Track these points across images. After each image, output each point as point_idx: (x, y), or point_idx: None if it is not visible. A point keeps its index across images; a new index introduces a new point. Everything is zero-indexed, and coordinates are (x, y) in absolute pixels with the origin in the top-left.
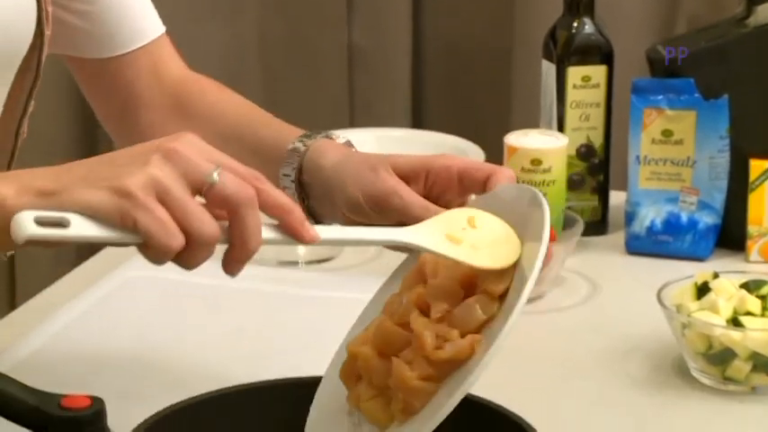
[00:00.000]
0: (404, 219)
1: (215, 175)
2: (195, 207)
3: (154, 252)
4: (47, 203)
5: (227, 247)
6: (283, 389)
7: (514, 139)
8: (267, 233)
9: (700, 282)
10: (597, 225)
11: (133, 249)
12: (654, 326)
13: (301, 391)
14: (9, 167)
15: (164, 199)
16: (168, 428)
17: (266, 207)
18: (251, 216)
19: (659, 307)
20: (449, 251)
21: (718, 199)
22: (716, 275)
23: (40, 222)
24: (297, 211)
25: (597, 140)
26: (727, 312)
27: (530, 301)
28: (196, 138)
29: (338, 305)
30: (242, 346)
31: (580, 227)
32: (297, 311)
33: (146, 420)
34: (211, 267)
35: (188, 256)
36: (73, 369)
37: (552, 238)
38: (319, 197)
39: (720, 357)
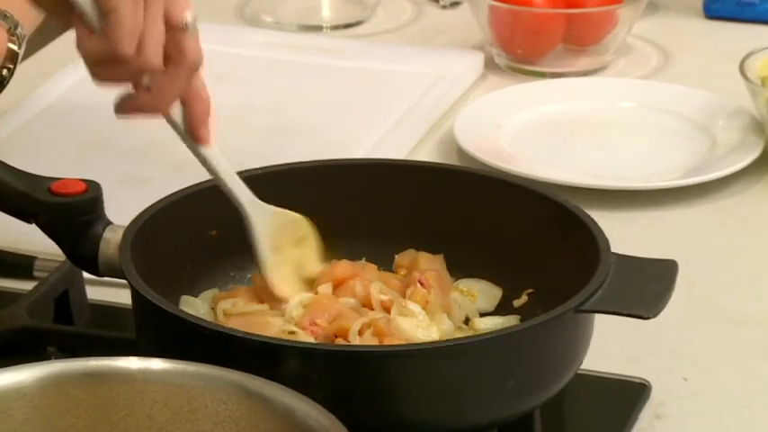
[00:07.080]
0: None
1: (190, 20)
2: (161, 32)
3: (99, 45)
4: None
5: (137, 90)
6: (300, 173)
7: None
8: (173, 112)
9: None
10: None
11: None
12: (735, 103)
13: (322, 175)
14: None
15: (145, 7)
16: (173, 216)
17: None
18: (183, 80)
19: (741, 80)
20: (264, 251)
21: None
22: None
23: None
24: (208, 106)
25: None
26: None
27: (591, 72)
28: None
29: (367, 76)
30: (255, 122)
31: None
32: (320, 83)
33: (147, 209)
34: (218, 32)
35: (118, 68)
36: (65, 151)
37: (618, 0)
38: None
39: None
